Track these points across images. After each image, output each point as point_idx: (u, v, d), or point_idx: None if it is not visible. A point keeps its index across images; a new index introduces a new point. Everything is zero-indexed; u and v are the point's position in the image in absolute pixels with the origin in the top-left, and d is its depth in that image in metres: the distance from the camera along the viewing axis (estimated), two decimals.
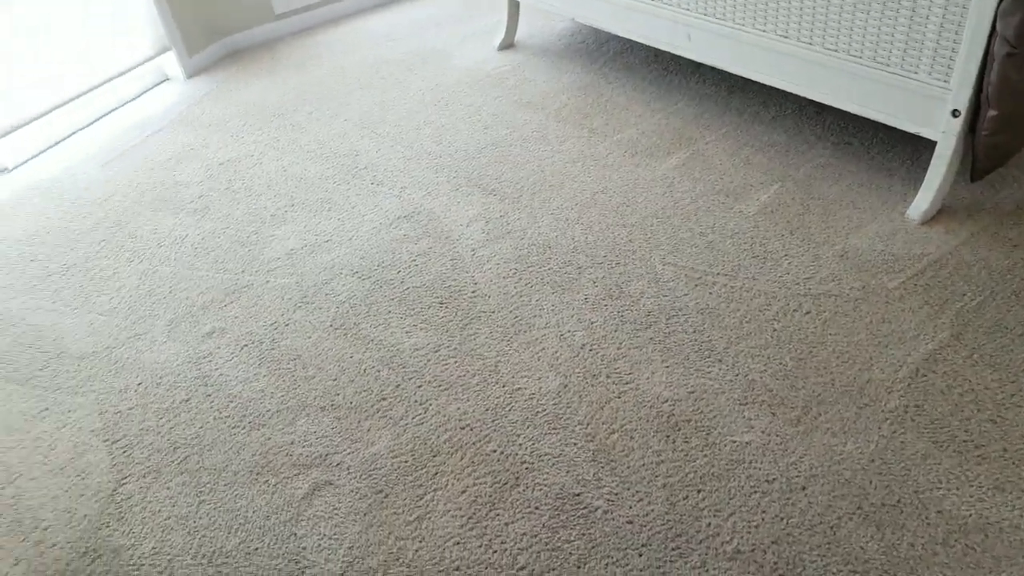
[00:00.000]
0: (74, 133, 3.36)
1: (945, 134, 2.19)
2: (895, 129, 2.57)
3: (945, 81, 2.13)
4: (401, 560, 1.64)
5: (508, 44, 3.69)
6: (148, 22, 3.55)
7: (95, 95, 3.44)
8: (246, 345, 2.19)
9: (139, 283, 2.45)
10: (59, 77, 3.23)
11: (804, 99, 2.95)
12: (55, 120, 3.29)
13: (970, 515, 1.61)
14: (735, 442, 1.80)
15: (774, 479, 1.71)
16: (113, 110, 3.52)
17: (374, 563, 1.64)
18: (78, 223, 2.75)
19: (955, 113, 2.14)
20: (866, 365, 1.94)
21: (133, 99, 3.61)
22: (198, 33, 3.79)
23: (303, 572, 1.64)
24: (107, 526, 1.77)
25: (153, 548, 1.71)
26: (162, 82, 3.74)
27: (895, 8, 2.16)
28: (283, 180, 2.87)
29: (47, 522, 1.79)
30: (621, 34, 3.07)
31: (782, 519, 1.64)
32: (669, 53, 3.35)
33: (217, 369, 2.12)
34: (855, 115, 2.74)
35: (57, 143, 3.29)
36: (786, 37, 2.46)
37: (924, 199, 2.32)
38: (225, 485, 1.83)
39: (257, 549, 1.69)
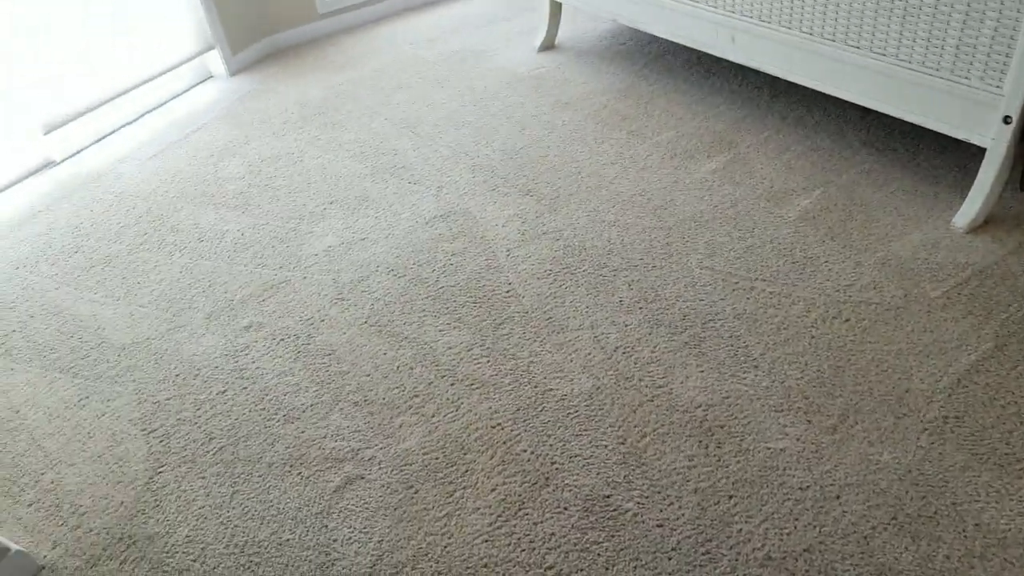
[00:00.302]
0: (120, 128, 3.42)
1: (995, 141, 2.15)
2: (942, 135, 2.53)
3: (998, 87, 2.08)
4: (430, 556, 1.64)
5: (549, 45, 3.68)
6: (193, 20, 3.60)
7: (141, 91, 3.50)
8: (282, 339, 2.21)
9: (180, 276, 2.48)
10: (106, 73, 3.29)
11: (849, 103, 2.91)
12: (102, 115, 3.35)
13: (1009, 529, 1.57)
14: (769, 449, 1.77)
15: (808, 487, 1.69)
16: (158, 106, 3.58)
17: (403, 557, 1.64)
18: (122, 216, 2.79)
19: (1007, 120, 2.09)
20: (906, 374, 1.90)
21: (177, 96, 3.67)
22: (242, 31, 3.84)
23: (333, 564, 1.65)
24: (142, 513, 1.80)
25: (187, 536, 1.73)
26: (206, 79, 3.80)
27: (947, 12, 2.12)
28: (323, 178, 2.89)
29: (84, 508, 1.82)
30: (663, 36, 3.05)
31: (815, 527, 1.61)
32: (712, 56, 3.32)
33: (254, 362, 2.15)
34: (902, 120, 2.69)
35: (103, 137, 3.35)
36: (833, 40, 2.43)
37: (971, 207, 2.27)
38: (259, 476, 1.85)
39: (288, 540, 1.70)
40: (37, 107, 3.05)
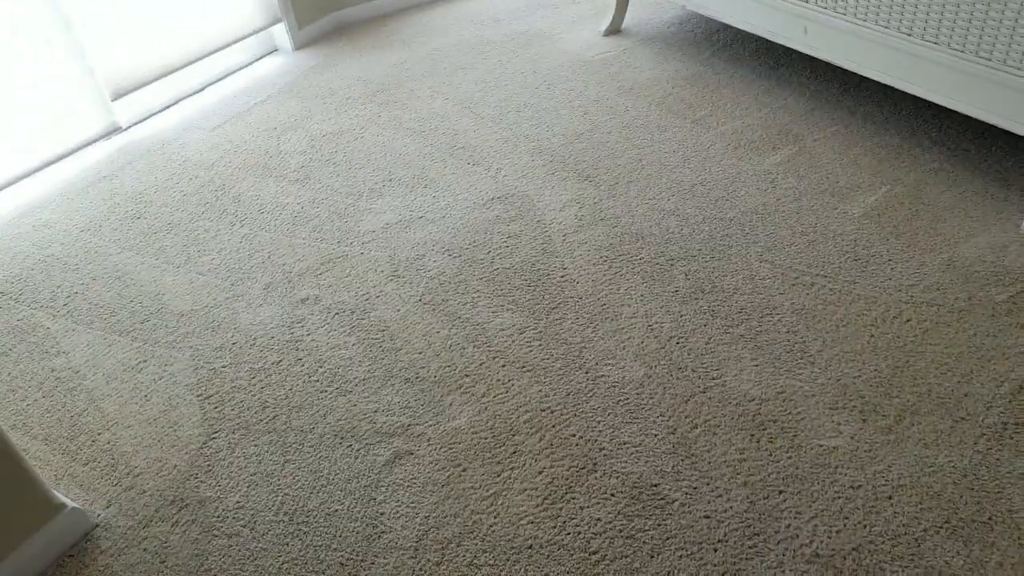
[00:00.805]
0: (186, 97, 3.48)
1: None
2: (1015, 136, 2.45)
3: None
4: (475, 533, 1.66)
5: (615, 30, 3.65)
6: None
7: (207, 62, 3.55)
8: (338, 313, 2.23)
9: (239, 246, 2.52)
10: (174, 42, 3.35)
11: (921, 100, 2.83)
12: (169, 83, 3.41)
13: None
14: (822, 446, 1.75)
15: (859, 486, 1.66)
16: (223, 77, 3.63)
17: (448, 534, 1.66)
18: (184, 184, 2.85)
19: None
20: (966, 378, 1.86)
21: (243, 67, 3.71)
22: (308, 6, 3.87)
23: (380, 536, 1.67)
24: (195, 477, 1.84)
25: (238, 502, 1.77)
26: (271, 52, 3.84)
27: None
28: (383, 155, 2.91)
29: (139, 469, 1.87)
30: (733, 24, 3.01)
31: (865, 526, 1.59)
32: (782, 46, 3.26)
33: (309, 334, 2.18)
34: (975, 120, 2.62)
35: (169, 106, 3.41)
36: (909, 35, 2.37)
37: None
38: (310, 447, 1.87)
39: (337, 511, 1.73)
40: (105, 74, 3.12)
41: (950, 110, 2.69)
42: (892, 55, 2.44)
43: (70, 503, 1.71)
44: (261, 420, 1.96)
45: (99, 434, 1.97)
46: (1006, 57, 2.15)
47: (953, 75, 2.30)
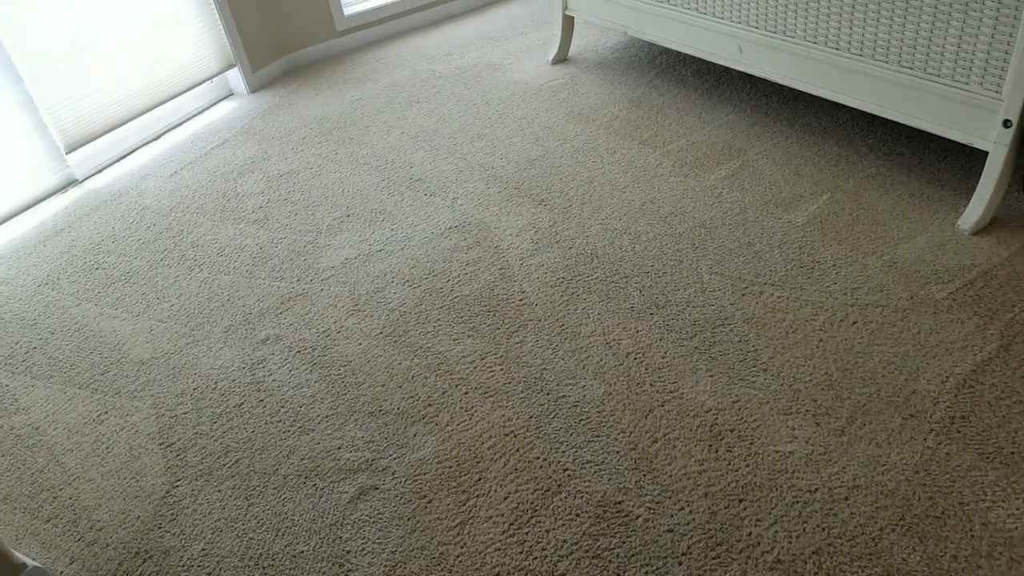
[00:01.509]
0: (142, 145, 3.49)
1: (997, 145, 2.16)
2: (947, 140, 2.53)
3: (997, 91, 2.10)
4: (443, 565, 1.67)
5: (562, 58, 3.73)
6: (215, 40, 3.68)
7: (162, 109, 3.57)
8: (299, 351, 2.25)
9: (199, 290, 2.54)
10: (128, 93, 3.37)
11: (855, 109, 2.92)
12: (123, 133, 3.43)
13: (1015, 528, 1.58)
14: (778, 452, 1.79)
15: (816, 489, 1.70)
16: (179, 123, 3.65)
17: (416, 567, 1.68)
18: (142, 232, 2.86)
19: (1007, 123, 2.10)
20: (912, 376, 1.91)
21: (199, 112, 3.74)
22: (262, 50, 3.91)
23: (347, 575, 1.68)
24: (159, 527, 1.84)
25: (202, 550, 1.78)
26: (227, 96, 3.87)
27: (946, 19, 2.14)
28: (340, 191, 2.95)
29: (102, 523, 1.87)
30: (673, 47, 3.09)
31: (823, 529, 1.63)
32: (720, 66, 3.35)
33: (271, 375, 2.19)
34: (907, 126, 2.70)
35: (125, 155, 3.43)
36: (837, 49, 2.45)
37: (975, 210, 2.28)
38: (274, 488, 1.88)
39: (303, 552, 1.74)
40: (59, 127, 3.13)
41: (882, 118, 2.77)
42: (821, 68, 2.53)
43: (31, 562, 1.69)
44: (224, 465, 1.97)
45: (60, 490, 1.96)
46: (926, 65, 2.23)
47: (879, 84, 2.38)
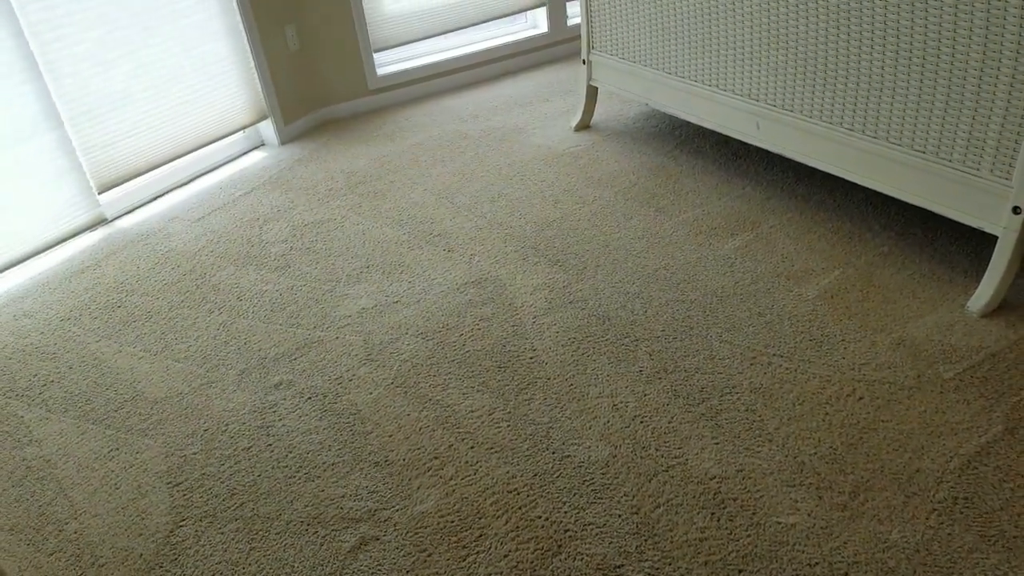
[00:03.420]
0: (172, 189, 3.59)
1: (1006, 230, 2.19)
2: (958, 223, 2.56)
3: (1007, 178, 2.14)
4: None
5: (584, 125, 3.81)
6: (249, 92, 3.79)
7: (194, 155, 3.68)
8: (310, 398, 2.28)
9: (216, 333, 2.59)
10: (162, 139, 3.47)
11: (870, 189, 2.96)
12: (155, 176, 3.53)
13: None
14: (780, 523, 1.79)
15: (816, 563, 1.70)
16: (210, 170, 3.76)
17: None
18: (166, 274, 2.93)
19: (1016, 210, 2.14)
20: (917, 454, 1.92)
21: (229, 160, 3.85)
22: (295, 104, 4.03)
23: None
24: (160, 567, 1.85)
25: None
26: (258, 146, 3.98)
27: (958, 105, 2.19)
28: (362, 243, 3.01)
29: (104, 559, 1.88)
30: (693, 120, 3.17)
31: None
32: (738, 140, 3.42)
33: (280, 420, 2.22)
34: (919, 207, 2.74)
35: (155, 198, 3.52)
36: (851, 130, 2.51)
37: (985, 292, 2.31)
38: (276, 534, 1.90)
39: None
40: (93, 168, 3.23)
41: (896, 198, 2.81)
42: (838, 148, 2.58)
43: None
44: (228, 507, 1.99)
45: (66, 523, 1.99)
46: (938, 150, 2.28)
47: (893, 166, 2.43)
